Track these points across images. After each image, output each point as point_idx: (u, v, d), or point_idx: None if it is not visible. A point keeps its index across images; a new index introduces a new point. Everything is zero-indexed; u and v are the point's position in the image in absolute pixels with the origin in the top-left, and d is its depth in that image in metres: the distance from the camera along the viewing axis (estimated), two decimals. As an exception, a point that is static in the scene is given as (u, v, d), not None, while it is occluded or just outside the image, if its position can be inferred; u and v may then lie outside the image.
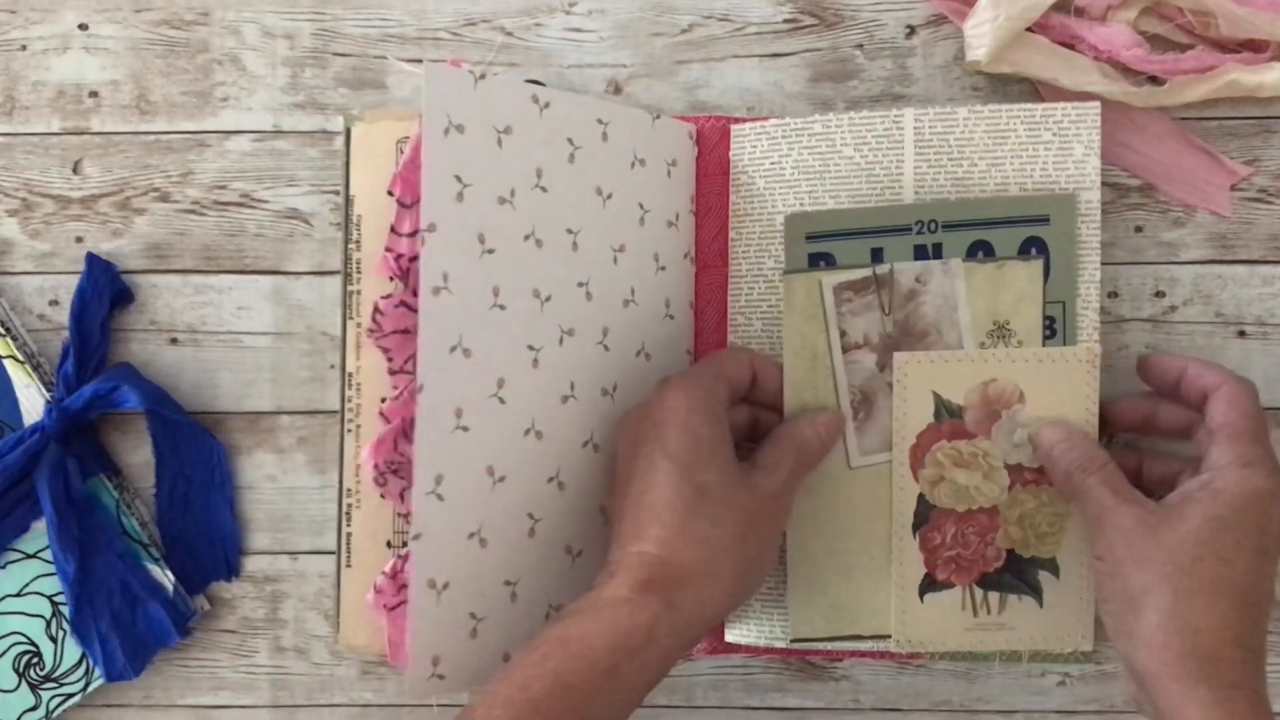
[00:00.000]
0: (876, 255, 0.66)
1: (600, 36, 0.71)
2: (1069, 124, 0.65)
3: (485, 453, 0.62)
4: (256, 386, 0.72)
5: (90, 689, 0.70)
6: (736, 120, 0.69)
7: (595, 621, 0.57)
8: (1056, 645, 0.66)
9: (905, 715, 0.71)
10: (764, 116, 0.69)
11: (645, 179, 0.67)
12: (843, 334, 0.66)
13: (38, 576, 0.70)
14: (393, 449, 0.65)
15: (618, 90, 0.71)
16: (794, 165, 0.67)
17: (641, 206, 0.67)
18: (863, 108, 0.70)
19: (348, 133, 0.68)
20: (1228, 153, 0.69)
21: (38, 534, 0.70)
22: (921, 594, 0.66)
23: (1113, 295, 0.69)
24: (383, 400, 0.66)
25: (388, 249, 0.65)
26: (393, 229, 0.65)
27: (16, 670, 0.70)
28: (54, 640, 0.70)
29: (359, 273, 0.67)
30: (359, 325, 0.67)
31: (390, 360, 0.66)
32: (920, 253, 0.65)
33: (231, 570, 0.72)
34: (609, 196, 0.66)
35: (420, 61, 0.71)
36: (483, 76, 0.61)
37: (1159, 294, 0.69)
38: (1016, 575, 0.66)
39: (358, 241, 0.67)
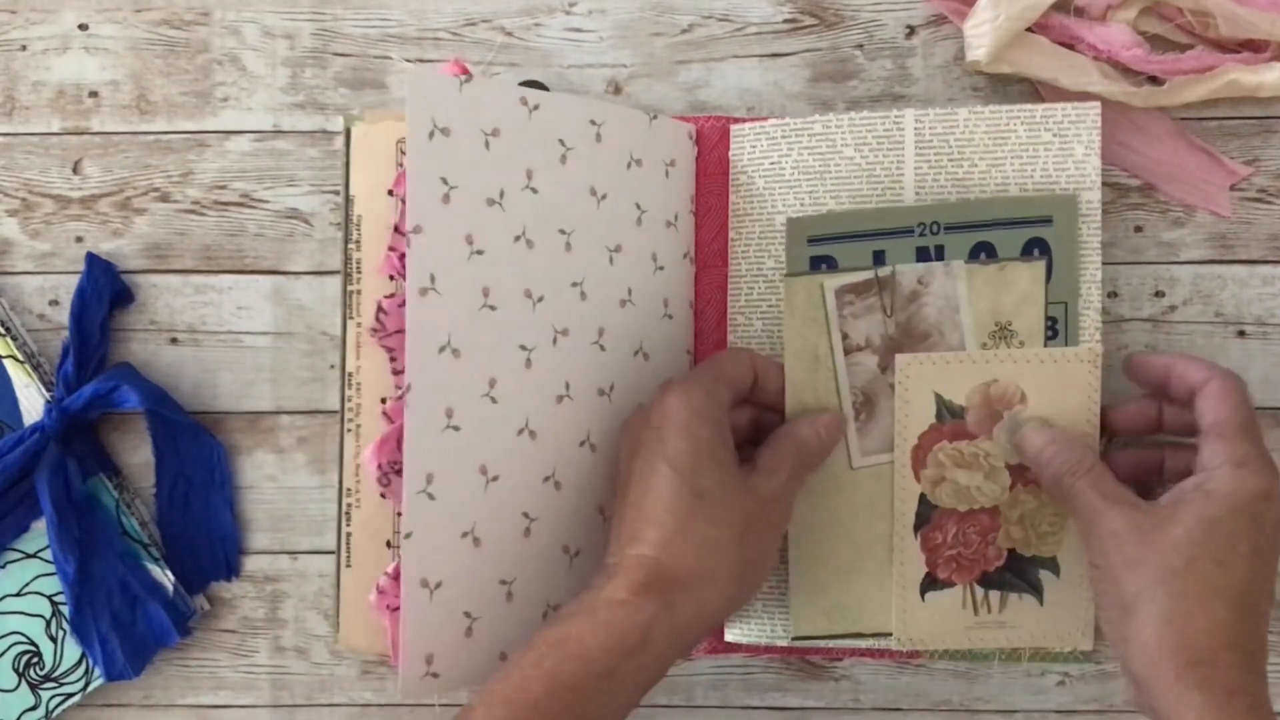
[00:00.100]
0: (878, 258, 0.66)
1: (600, 36, 0.71)
2: (1069, 124, 0.65)
3: (477, 452, 0.62)
4: (256, 386, 0.72)
5: (90, 689, 0.70)
6: (736, 120, 0.69)
7: (592, 623, 0.57)
8: (1056, 644, 0.66)
9: (905, 715, 0.71)
10: (764, 117, 0.69)
11: (642, 179, 0.67)
12: (844, 336, 0.66)
13: (38, 576, 0.70)
14: (395, 449, 0.65)
15: (618, 90, 0.71)
16: (794, 165, 0.67)
17: (638, 207, 0.67)
18: (863, 108, 0.70)
19: (348, 133, 0.67)
20: (1227, 153, 0.69)
21: (38, 534, 0.70)
22: (922, 593, 0.66)
23: (1113, 295, 0.69)
24: (384, 400, 0.66)
25: (391, 248, 0.65)
26: (396, 228, 0.65)
27: (16, 670, 0.70)
28: (54, 640, 0.70)
29: (359, 272, 0.67)
30: (359, 325, 0.67)
31: (394, 360, 0.66)
32: (922, 255, 0.65)
33: (231, 570, 0.72)
34: (603, 197, 0.66)
35: (422, 61, 0.71)
36: (469, 80, 0.61)
37: (1159, 294, 0.70)
38: (1017, 574, 0.66)
39: (358, 241, 0.67)
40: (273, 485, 0.72)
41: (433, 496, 0.60)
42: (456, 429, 0.61)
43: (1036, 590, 0.66)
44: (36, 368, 0.70)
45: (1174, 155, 0.69)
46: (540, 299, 0.64)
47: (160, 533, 0.71)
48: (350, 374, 0.67)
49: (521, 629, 0.63)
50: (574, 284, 0.65)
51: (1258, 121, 0.69)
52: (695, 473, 0.59)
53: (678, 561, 0.58)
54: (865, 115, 0.66)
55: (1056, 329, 0.65)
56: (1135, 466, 0.66)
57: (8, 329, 0.70)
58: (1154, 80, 0.68)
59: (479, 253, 0.61)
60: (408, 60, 0.71)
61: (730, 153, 0.69)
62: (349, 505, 0.67)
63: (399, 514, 0.67)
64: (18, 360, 0.69)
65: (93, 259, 0.70)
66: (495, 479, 0.62)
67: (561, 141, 0.64)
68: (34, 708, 0.70)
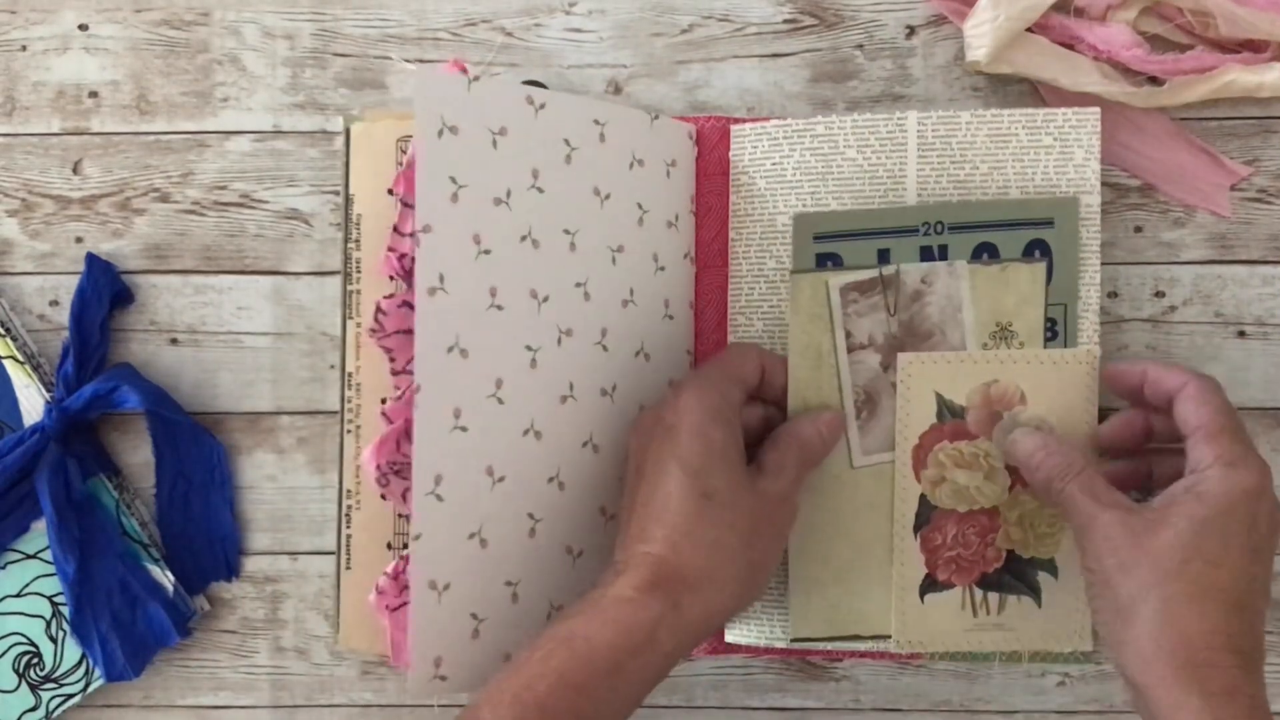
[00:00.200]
0: (883, 256, 0.66)
1: (600, 36, 0.71)
2: (1069, 129, 0.65)
3: (484, 453, 0.62)
4: (256, 386, 0.72)
5: (90, 689, 0.70)
6: (736, 120, 0.69)
7: (599, 620, 0.57)
8: (1055, 645, 0.66)
9: (905, 715, 0.71)
10: (764, 117, 0.69)
11: (644, 179, 0.67)
12: (848, 334, 0.66)
13: (38, 576, 0.70)
14: (395, 450, 0.65)
15: (618, 90, 0.71)
16: (795, 166, 0.67)
17: (640, 207, 0.67)
18: (863, 108, 0.70)
19: (347, 133, 0.67)
20: (1227, 153, 0.69)
21: (38, 534, 0.70)
22: (922, 594, 0.66)
23: (1113, 295, 0.69)
24: (384, 401, 0.66)
25: (390, 249, 0.65)
26: (395, 229, 0.65)
27: (16, 670, 0.70)
28: (54, 640, 0.70)
29: (359, 273, 0.67)
30: (359, 325, 0.67)
31: (393, 360, 0.66)
32: (926, 254, 0.65)
33: (231, 570, 0.72)
34: (607, 197, 0.66)
35: (422, 62, 0.71)
36: (476, 78, 0.61)
37: (1159, 294, 0.70)
38: (1016, 576, 0.66)
39: (358, 241, 0.67)
40: (273, 485, 0.72)
41: (441, 498, 0.60)
42: (464, 429, 0.61)
43: (1035, 592, 0.66)
44: (36, 368, 0.70)
45: (1174, 155, 0.69)
46: (545, 299, 0.64)
47: (160, 533, 0.71)
48: (350, 374, 0.67)
49: (526, 630, 0.63)
50: (578, 284, 0.65)
51: (1258, 121, 0.69)
52: (705, 473, 0.59)
53: (685, 561, 0.58)
54: (868, 117, 0.66)
55: (1056, 330, 0.65)
56: (1123, 476, 0.65)
57: (8, 329, 0.70)
58: (1154, 80, 0.68)
59: (486, 252, 0.61)
60: (407, 60, 0.71)
61: (730, 153, 0.69)
62: (349, 506, 0.67)
63: (400, 515, 0.67)
64: (18, 360, 0.69)
65: (93, 259, 0.70)
66: (502, 480, 0.62)
67: (567, 141, 0.64)
68: (34, 708, 0.70)
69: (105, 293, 0.70)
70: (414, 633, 0.60)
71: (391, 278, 0.66)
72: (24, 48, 0.72)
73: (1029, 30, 0.68)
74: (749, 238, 0.68)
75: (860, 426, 0.66)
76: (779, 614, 0.68)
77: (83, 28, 0.72)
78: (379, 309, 0.65)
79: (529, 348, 0.63)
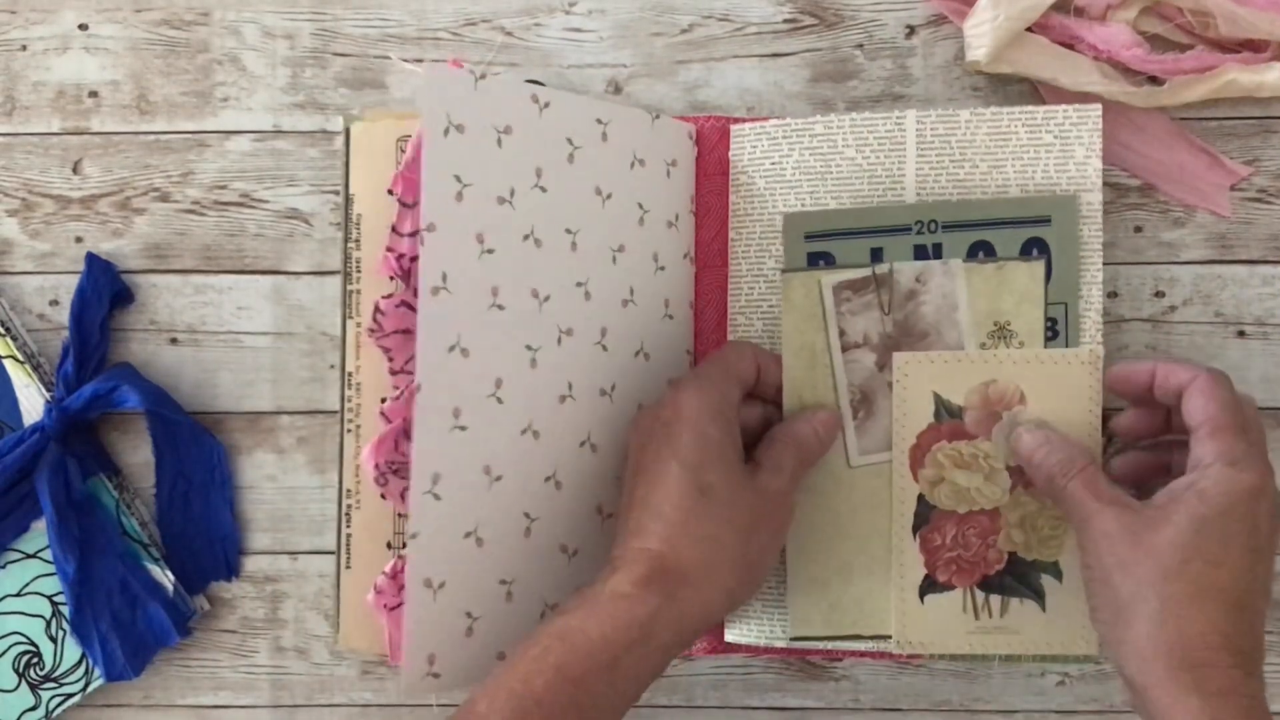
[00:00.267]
0: (876, 255, 0.66)
1: (600, 36, 0.71)
2: (1070, 126, 0.65)
3: (483, 452, 0.62)
4: (256, 386, 0.72)
5: (90, 689, 0.70)
6: (736, 120, 0.69)
7: (595, 615, 0.57)
8: (1060, 649, 0.65)
9: (905, 715, 0.71)
10: (764, 116, 0.69)
11: (645, 179, 0.67)
12: (842, 333, 0.66)
13: (38, 576, 0.70)
14: (394, 449, 0.65)
15: (618, 90, 0.71)
16: (795, 166, 0.67)
17: (641, 207, 0.67)
18: (863, 108, 0.70)
19: (347, 132, 0.67)
20: (1227, 153, 0.69)
21: (38, 534, 0.70)
22: (922, 595, 0.66)
23: (1112, 295, 0.69)
24: (383, 400, 0.66)
25: (389, 249, 0.65)
26: (394, 229, 0.65)
27: (16, 670, 0.70)
28: (54, 640, 0.70)
29: (359, 272, 0.67)
30: (359, 325, 0.67)
31: (391, 360, 0.66)
32: (920, 253, 0.65)
33: (231, 570, 0.72)
34: (608, 196, 0.66)
35: (421, 61, 0.71)
36: (483, 76, 0.61)
37: (1159, 294, 0.70)
38: (1018, 578, 0.65)
39: (358, 241, 0.67)
40: (273, 485, 0.72)
41: (438, 497, 0.60)
42: (464, 429, 0.61)
43: (1038, 595, 0.65)
44: (36, 368, 0.70)
45: (1174, 155, 0.69)
46: (547, 298, 0.64)
47: (160, 533, 0.71)
48: (350, 374, 0.67)
49: (520, 629, 0.63)
50: (579, 284, 0.65)
51: (1258, 121, 0.69)
52: (703, 469, 0.59)
53: (681, 556, 0.58)
54: (866, 116, 0.66)
55: (1057, 330, 0.65)
56: (1141, 468, 0.65)
57: (8, 329, 0.70)
58: (1154, 80, 0.68)
59: (489, 252, 0.61)
60: (408, 60, 0.71)
61: (730, 153, 0.69)
62: (349, 506, 0.67)
63: (399, 515, 0.67)
64: (18, 360, 0.69)
65: (93, 259, 0.70)
66: (499, 479, 0.62)
67: (570, 140, 0.64)
68: (34, 708, 0.70)
69: (105, 292, 0.70)
70: (408, 630, 0.60)
71: (390, 277, 0.66)
72: (24, 48, 0.72)
73: (1029, 30, 0.68)
74: (748, 237, 0.68)
75: (857, 426, 0.66)
76: (779, 614, 0.68)
77: (83, 28, 0.72)
78: (377, 309, 0.65)
79: (529, 347, 0.63)
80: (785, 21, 0.71)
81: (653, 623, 0.57)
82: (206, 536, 0.71)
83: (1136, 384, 0.62)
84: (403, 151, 0.67)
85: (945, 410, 0.65)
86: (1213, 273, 0.69)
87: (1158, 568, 0.56)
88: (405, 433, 0.65)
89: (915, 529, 0.65)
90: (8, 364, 0.69)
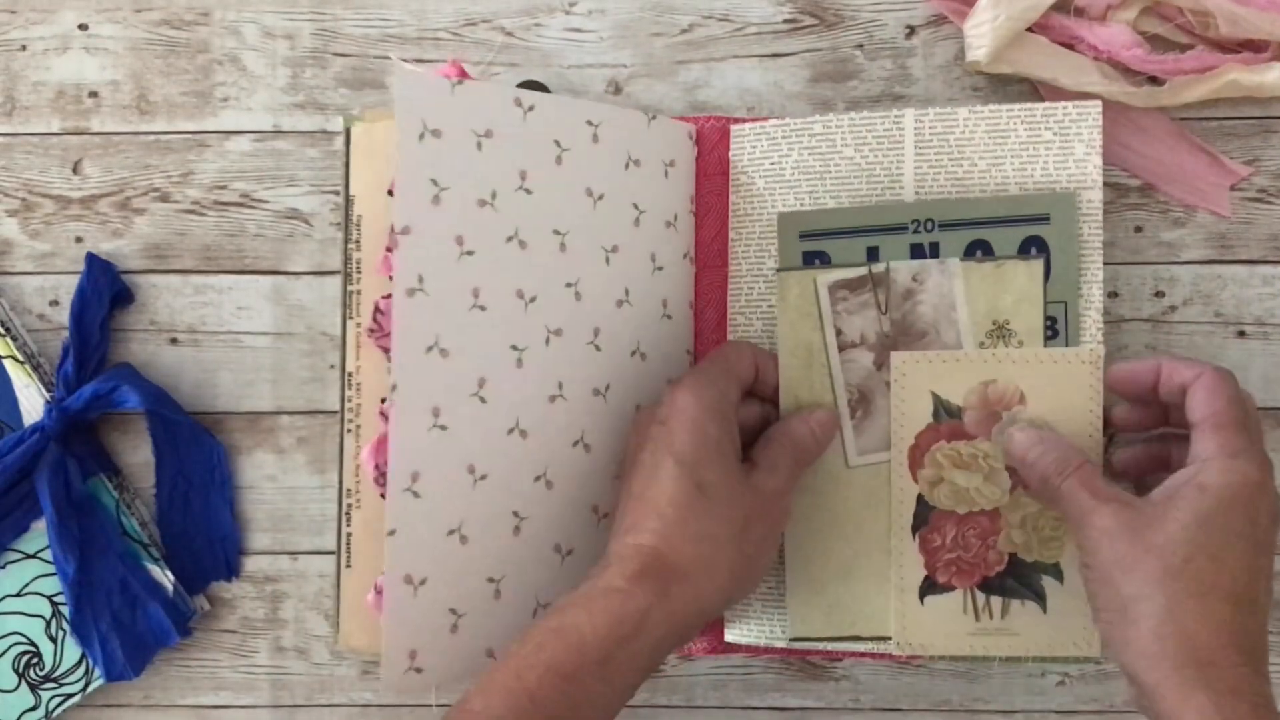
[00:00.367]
0: (872, 254, 0.65)
1: (600, 36, 0.71)
2: (1070, 123, 0.65)
3: (465, 451, 0.62)
4: (256, 386, 0.72)
5: (90, 689, 0.70)
6: (736, 120, 0.69)
7: (588, 610, 0.57)
8: (1061, 652, 0.65)
9: (905, 715, 0.71)
10: (764, 116, 0.69)
11: (640, 179, 0.67)
12: (839, 332, 0.65)
13: (38, 576, 0.70)
14: (392, 449, 0.65)
15: (618, 90, 0.71)
16: (794, 165, 0.67)
17: (636, 207, 0.67)
18: (863, 108, 0.70)
19: (347, 133, 0.67)
20: (1228, 153, 0.69)
21: (38, 534, 0.70)
22: (922, 596, 0.65)
23: (1112, 295, 0.69)
24: (383, 400, 0.66)
25: (389, 249, 0.65)
26: (392, 228, 0.65)
27: (16, 670, 0.70)
28: (54, 640, 0.70)
29: (359, 272, 0.67)
30: (359, 325, 0.67)
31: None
32: (917, 251, 0.65)
33: (231, 570, 0.72)
34: (600, 197, 0.66)
35: (421, 62, 0.71)
36: (460, 81, 0.61)
37: (1159, 294, 0.69)
38: (1019, 580, 0.65)
39: (358, 241, 0.67)
40: (273, 485, 0.72)
41: (417, 494, 0.60)
42: (444, 428, 0.61)
43: (1039, 597, 0.65)
44: (36, 368, 0.70)
45: (1174, 155, 0.69)
46: (533, 299, 0.64)
47: (160, 533, 0.71)
48: (350, 374, 0.67)
49: (510, 627, 0.63)
50: (568, 284, 0.65)
51: (1258, 121, 0.69)
52: (699, 466, 0.59)
53: (675, 551, 0.58)
54: (865, 115, 0.66)
55: (1056, 329, 0.64)
56: (1142, 461, 0.65)
57: (8, 329, 0.70)
58: (1154, 80, 0.68)
59: (469, 253, 0.61)
60: (404, 60, 0.71)
61: (730, 153, 0.69)
62: (349, 505, 0.67)
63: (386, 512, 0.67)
64: (18, 360, 0.69)
65: (93, 259, 0.70)
66: (484, 478, 0.63)
67: (557, 142, 0.64)
68: (34, 708, 0.70)
69: (105, 292, 0.70)
70: (387, 626, 0.61)
71: (389, 277, 0.65)
72: (24, 48, 0.72)
73: (1029, 30, 0.68)
74: (748, 237, 0.68)
75: (855, 426, 0.66)
76: (778, 614, 0.67)
77: (83, 28, 0.72)
78: (377, 309, 0.65)
79: (514, 347, 0.63)
80: (785, 22, 0.71)
81: (646, 618, 0.57)
82: (206, 536, 0.71)
83: (1141, 383, 0.62)
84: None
85: (944, 410, 0.64)
86: (1213, 273, 0.69)
87: (1160, 565, 0.55)
88: (404, 433, 0.65)
89: (915, 530, 0.65)
90: (8, 364, 0.69)
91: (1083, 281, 0.65)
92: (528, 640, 0.57)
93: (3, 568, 0.70)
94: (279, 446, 0.72)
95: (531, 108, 0.63)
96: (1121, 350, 0.69)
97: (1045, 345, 0.64)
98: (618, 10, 0.71)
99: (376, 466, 0.64)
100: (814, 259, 0.66)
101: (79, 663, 0.70)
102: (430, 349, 0.60)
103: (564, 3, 0.71)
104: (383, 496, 0.65)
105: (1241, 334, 0.69)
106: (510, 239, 0.63)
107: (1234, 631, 0.55)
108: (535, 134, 0.64)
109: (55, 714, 0.70)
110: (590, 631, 0.56)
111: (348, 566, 0.67)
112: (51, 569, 0.69)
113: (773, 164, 0.67)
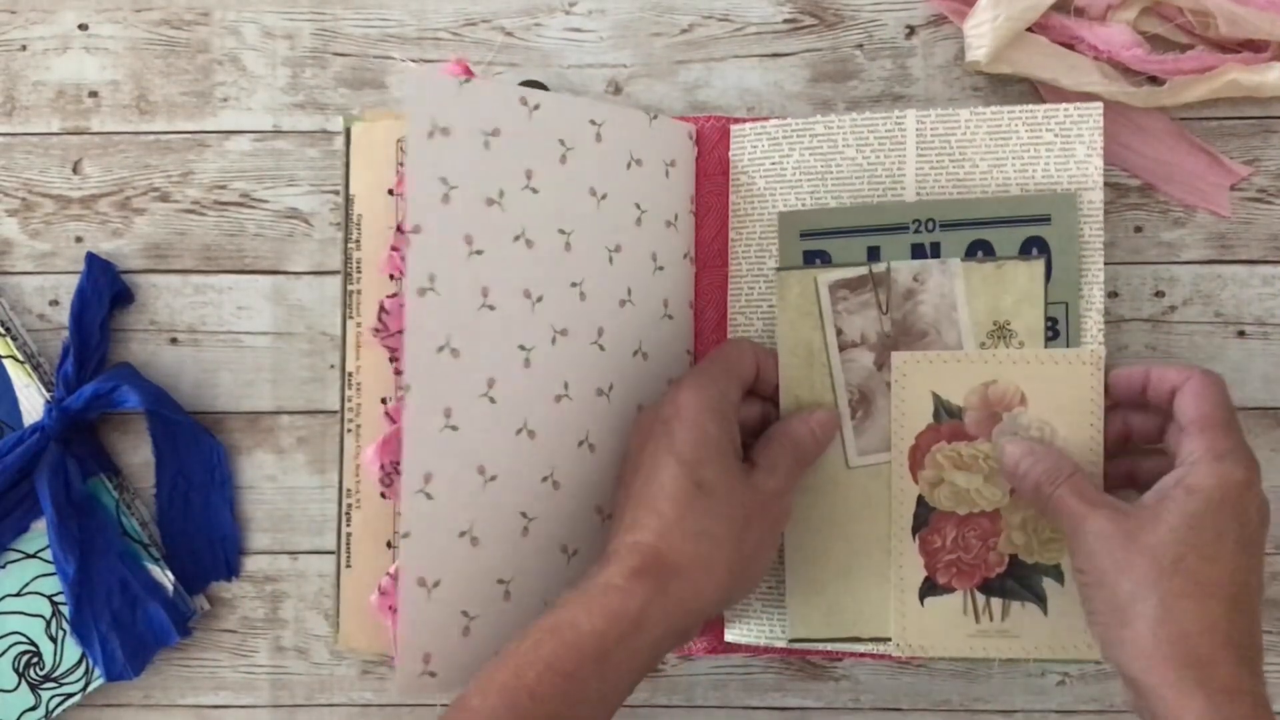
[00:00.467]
0: (873, 254, 0.65)
1: (600, 36, 0.71)
2: (1071, 124, 0.65)
3: (475, 452, 0.62)
4: (256, 386, 0.72)
5: (90, 689, 0.70)
6: (736, 120, 0.69)
7: (585, 607, 0.57)
8: (1062, 654, 0.65)
9: (905, 715, 0.71)
10: (764, 116, 0.69)
11: (642, 179, 0.67)
12: (839, 332, 0.65)
13: (38, 576, 0.70)
14: (399, 449, 0.65)
15: (618, 90, 0.71)
16: (795, 166, 0.67)
17: (638, 207, 0.67)
18: (863, 108, 0.70)
19: (347, 132, 0.67)
20: (1227, 153, 0.69)
21: (38, 534, 0.70)
22: (922, 597, 0.65)
23: (1112, 295, 0.69)
24: (385, 400, 0.66)
25: (394, 248, 0.65)
26: (399, 228, 0.65)
27: (16, 670, 0.70)
28: (54, 640, 0.70)
29: (359, 272, 0.67)
30: (359, 325, 0.67)
31: (395, 360, 0.66)
32: (918, 251, 0.65)
33: (231, 570, 0.72)
34: (603, 197, 0.66)
35: (422, 62, 0.71)
36: (468, 80, 0.61)
37: (1159, 294, 0.70)
38: (1020, 581, 0.65)
39: (358, 241, 0.67)
40: (273, 485, 0.72)
41: (430, 496, 0.60)
42: (455, 429, 0.61)
43: (1040, 599, 0.65)
44: (36, 368, 0.70)
45: (1174, 155, 0.69)
46: (539, 299, 0.64)
47: (160, 533, 0.71)
48: (350, 374, 0.67)
49: (519, 629, 0.63)
50: (573, 284, 0.65)
51: (1258, 121, 0.69)
52: (698, 464, 0.60)
53: (674, 548, 0.59)
54: (867, 116, 0.66)
55: (1057, 329, 0.65)
56: (1140, 471, 0.65)
57: (8, 329, 0.70)
58: (1154, 80, 0.68)
59: (478, 253, 0.61)
60: (410, 60, 0.71)
61: (730, 153, 0.69)
62: (349, 505, 0.67)
63: (400, 514, 0.67)
64: (18, 360, 0.69)
65: (93, 259, 0.70)
66: (493, 479, 0.62)
67: (562, 141, 0.64)
68: (34, 708, 0.70)
69: (105, 292, 0.70)
70: (402, 630, 0.60)
71: (393, 276, 0.66)
72: (24, 47, 0.72)
73: (1029, 30, 0.68)
74: (749, 237, 0.68)
75: (855, 426, 0.66)
76: (778, 614, 0.67)
77: (83, 27, 0.72)
78: (382, 308, 0.65)
79: (522, 347, 0.63)
80: (785, 21, 0.71)
81: (644, 615, 0.57)
82: (206, 536, 0.71)
83: (1129, 388, 0.62)
84: (404, 151, 0.67)
85: (945, 411, 0.64)
86: (1213, 273, 0.69)
87: (1154, 566, 0.56)
88: (409, 433, 0.65)
89: (915, 530, 0.65)
90: (8, 364, 0.69)
91: (1084, 282, 0.65)
92: (526, 638, 0.57)
93: (3, 567, 0.70)
94: (279, 446, 0.72)
95: (537, 106, 0.63)
96: (1122, 350, 0.69)
97: (1046, 346, 0.64)
98: (618, 10, 0.71)
99: (381, 467, 0.64)
100: (814, 258, 0.66)
101: (79, 662, 0.70)
102: (441, 349, 0.60)
103: (564, 3, 0.71)
104: (384, 497, 0.66)
105: (1241, 334, 0.69)
106: (517, 238, 0.63)
107: (1229, 631, 0.55)
108: (541, 133, 0.64)
109: (55, 714, 0.70)
110: (589, 629, 0.56)
111: (348, 566, 0.67)
112: (51, 569, 0.69)
113: (773, 164, 0.67)
